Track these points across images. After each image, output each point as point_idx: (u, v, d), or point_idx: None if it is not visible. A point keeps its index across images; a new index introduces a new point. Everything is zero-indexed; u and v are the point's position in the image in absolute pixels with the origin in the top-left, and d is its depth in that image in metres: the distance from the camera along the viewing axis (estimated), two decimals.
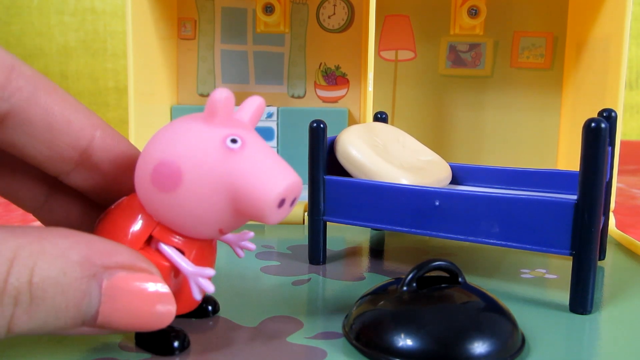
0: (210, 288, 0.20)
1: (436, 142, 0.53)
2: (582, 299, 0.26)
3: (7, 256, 0.17)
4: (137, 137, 0.44)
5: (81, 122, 0.21)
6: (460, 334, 0.21)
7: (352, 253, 0.36)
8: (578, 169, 0.26)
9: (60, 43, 0.92)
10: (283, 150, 0.52)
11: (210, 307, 0.26)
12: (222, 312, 0.26)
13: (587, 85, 0.47)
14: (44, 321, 0.17)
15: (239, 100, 0.22)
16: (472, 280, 0.31)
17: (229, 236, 0.25)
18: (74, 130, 0.21)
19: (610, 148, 0.30)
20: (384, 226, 0.31)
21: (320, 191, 0.33)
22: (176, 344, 0.22)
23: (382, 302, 0.23)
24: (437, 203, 0.29)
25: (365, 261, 0.35)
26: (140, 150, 0.22)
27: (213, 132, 0.20)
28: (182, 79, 0.53)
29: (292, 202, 0.20)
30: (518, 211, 0.27)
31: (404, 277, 0.24)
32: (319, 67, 0.53)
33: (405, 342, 0.21)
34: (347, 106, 0.53)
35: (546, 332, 0.25)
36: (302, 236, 0.40)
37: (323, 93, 0.53)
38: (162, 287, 0.19)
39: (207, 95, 0.53)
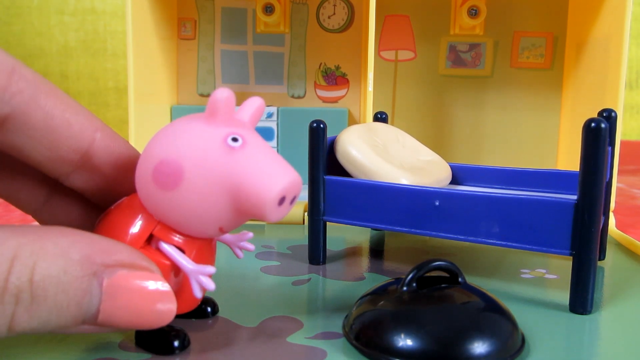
0: (211, 285, 0.20)
1: (436, 142, 0.53)
2: (582, 299, 0.26)
3: (7, 255, 0.17)
4: (137, 137, 0.44)
5: (81, 124, 0.21)
6: (460, 334, 0.21)
7: (352, 253, 0.36)
8: (578, 169, 0.26)
9: (60, 43, 0.92)
10: (283, 150, 0.52)
11: (209, 309, 0.26)
12: (222, 312, 0.26)
13: (587, 85, 0.47)
14: (45, 320, 0.17)
15: (239, 100, 0.22)
16: (472, 280, 0.31)
17: (228, 237, 0.25)
18: (74, 132, 0.21)
19: (610, 148, 0.30)
20: (384, 226, 0.31)
21: (320, 191, 0.33)
22: (176, 343, 0.22)
23: (382, 302, 0.23)
24: (437, 203, 0.29)
25: (365, 261, 0.35)
26: (140, 151, 0.22)
27: (214, 131, 0.20)
28: (182, 79, 0.53)
29: (292, 200, 0.20)
30: (518, 211, 0.27)
31: (404, 277, 0.24)
32: (319, 67, 0.53)
33: (405, 342, 0.21)
34: (347, 106, 0.53)
35: (546, 332, 0.25)
36: (302, 236, 0.40)
37: (323, 93, 0.53)
38: (162, 285, 0.19)
39: (207, 96, 0.53)
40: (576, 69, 0.49)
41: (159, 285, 0.19)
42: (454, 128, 0.53)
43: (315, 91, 0.53)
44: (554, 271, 0.33)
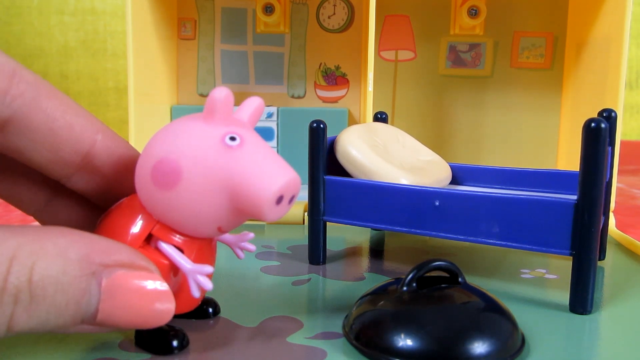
0: (208, 285, 0.20)
1: (436, 142, 0.53)
2: (582, 299, 0.26)
3: (6, 255, 0.17)
4: (137, 138, 0.44)
5: (82, 126, 0.21)
6: (460, 334, 0.21)
7: (352, 253, 0.36)
8: (578, 169, 0.26)
9: (60, 43, 0.92)
10: (283, 150, 0.52)
11: (210, 309, 0.26)
12: (222, 312, 0.26)
13: (587, 85, 0.47)
14: (44, 319, 0.17)
15: (239, 100, 0.22)
16: (472, 280, 0.31)
17: (229, 237, 0.25)
18: (75, 134, 0.21)
19: (610, 148, 0.30)
20: (384, 226, 0.31)
21: (320, 191, 0.33)
22: (175, 343, 0.22)
23: (382, 302, 0.23)
24: (437, 203, 0.29)
25: (365, 261, 0.35)
26: (140, 151, 0.22)
27: (212, 130, 0.20)
28: (182, 79, 0.53)
29: (291, 200, 0.20)
30: (518, 211, 0.27)
31: (404, 277, 0.24)
32: (319, 67, 0.53)
33: (405, 342, 0.21)
34: (347, 106, 0.53)
35: (546, 332, 0.25)
36: (302, 236, 0.40)
37: (323, 93, 0.53)
38: (161, 285, 0.19)
39: (207, 96, 0.53)
40: (576, 69, 0.49)
41: (157, 284, 0.19)
42: (454, 128, 0.53)
43: (315, 91, 0.53)
44: (554, 271, 0.33)
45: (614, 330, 0.25)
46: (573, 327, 0.25)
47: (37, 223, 0.26)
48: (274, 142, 0.52)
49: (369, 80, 0.43)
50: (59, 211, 0.24)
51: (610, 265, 0.34)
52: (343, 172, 0.34)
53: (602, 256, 0.35)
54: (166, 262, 0.21)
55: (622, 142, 0.50)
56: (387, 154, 0.34)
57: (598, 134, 0.25)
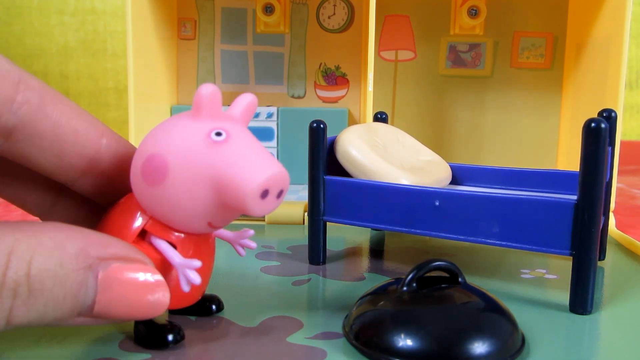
0: (196, 279, 0.21)
1: (436, 142, 0.53)
2: (582, 299, 0.26)
3: (5, 250, 0.17)
4: (137, 138, 0.44)
5: (87, 130, 0.22)
6: (460, 334, 0.21)
7: (352, 253, 0.36)
8: (578, 169, 0.26)
9: (60, 43, 0.92)
10: (283, 150, 0.52)
11: (214, 306, 0.26)
12: (222, 312, 0.26)
13: (587, 85, 0.47)
14: (42, 312, 0.18)
15: None
16: (472, 280, 0.31)
17: (229, 234, 0.25)
18: (81, 139, 0.21)
19: (610, 148, 0.30)
20: (384, 226, 0.31)
21: (320, 191, 0.33)
22: (170, 337, 0.22)
23: (382, 302, 0.23)
24: (437, 203, 0.29)
25: (365, 261, 0.35)
26: None
27: (198, 125, 0.20)
28: (182, 79, 0.53)
29: (279, 195, 0.20)
30: (518, 211, 0.27)
31: (404, 277, 0.24)
32: (319, 67, 0.53)
33: (405, 342, 0.21)
34: (347, 106, 0.53)
35: (546, 332, 0.25)
36: (302, 236, 0.40)
37: (323, 93, 0.53)
38: (154, 277, 0.20)
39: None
40: (576, 69, 0.49)
41: (151, 276, 0.19)
42: (454, 128, 0.53)
43: (315, 91, 0.53)
44: (554, 271, 0.33)
45: (614, 330, 0.25)
46: (573, 327, 0.25)
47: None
48: (274, 142, 0.52)
49: (369, 80, 0.42)
50: (65, 212, 0.25)
51: (610, 265, 0.34)
52: (343, 172, 0.34)
53: (602, 256, 0.35)
54: (159, 256, 0.21)
55: (622, 142, 0.50)
56: (387, 154, 0.34)
57: (598, 134, 0.25)
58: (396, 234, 0.41)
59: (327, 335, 0.24)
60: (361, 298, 0.25)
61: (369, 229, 0.42)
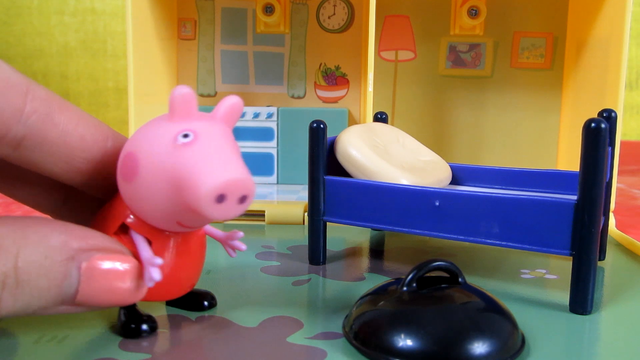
0: (156, 276, 0.21)
1: (436, 142, 0.53)
2: (582, 299, 0.26)
3: None
4: None
5: (94, 135, 0.22)
6: (460, 334, 0.21)
7: (352, 253, 0.36)
8: (578, 169, 0.26)
9: (60, 43, 0.92)
10: (283, 151, 0.52)
11: (206, 302, 0.27)
12: (222, 312, 0.26)
13: (587, 85, 0.47)
14: (28, 302, 0.19)
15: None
16: (472, 280, 0.31)
17: (220, 233, 0.26)
18: (87, 145, 0.22)
19: (610, 148, 0.30)
20: (384, 226, 0.31)
21: (320, 191, 0.33)
22: (144, 327, 0.23)
23: (382, 302, 0.23)
24: (437, 203, 0.29)
25: (365, 261, 0.35)
26: None
27: (169, 127, 0.21)
28: (182, 79, 0.53)
29: (242, 200, 0.20)
30: (518, 211, 0.27)
31: (404, 277, 0.24)
32: (319, 68, 0.53)
33: (405, 342, 0.21)
34: (347, 106, 0.53)
35: (546, 332, 0.25)
36: (302, 236, 0.40)
37: (323, 93, 0.53)
38: (132, 265, 0.21)
39: (208, 96, 0.54)
40: (576, 69, 0.49)
41: (129, 265, 0.21)
42: (454, 128, 0.53)
43: (315, 91, 0.53)
44: (554, 271, 0.33)
45: (614, 330, 0.25)
46: (573, 327, 0.25)
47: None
48: (274, 142, 0.52)
49: (369, 81, 0.43)
50: (74, 210, 0.26)
51: (610, 265, 0.34)
52: (343, 172, 0.34)
53: (602, 256, 0.35)
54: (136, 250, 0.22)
55: (622, 142, 0.50)
56: (387, 154, 0.34)
57: (598, 134, 0.25)
58: (396, 234, 0.41)
59: (327, 335, 0.24)
60: (361, 298, 0.25)
61: (369, 229, 0.42)
